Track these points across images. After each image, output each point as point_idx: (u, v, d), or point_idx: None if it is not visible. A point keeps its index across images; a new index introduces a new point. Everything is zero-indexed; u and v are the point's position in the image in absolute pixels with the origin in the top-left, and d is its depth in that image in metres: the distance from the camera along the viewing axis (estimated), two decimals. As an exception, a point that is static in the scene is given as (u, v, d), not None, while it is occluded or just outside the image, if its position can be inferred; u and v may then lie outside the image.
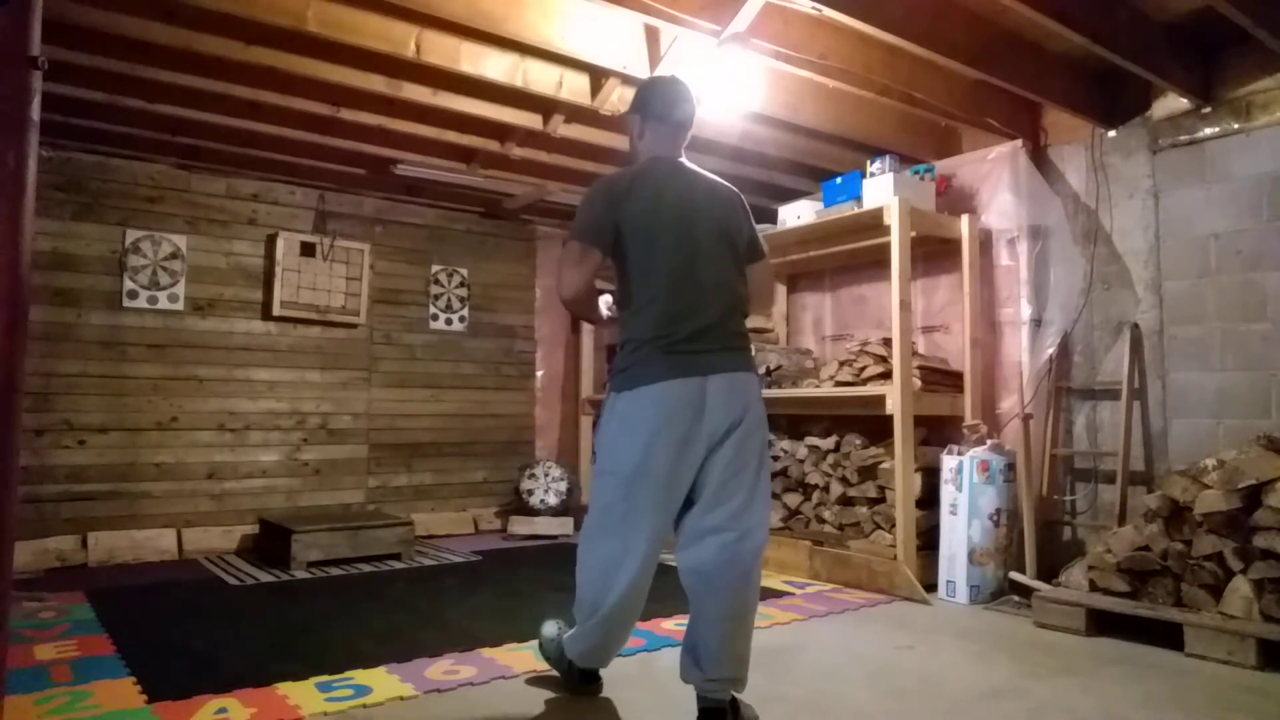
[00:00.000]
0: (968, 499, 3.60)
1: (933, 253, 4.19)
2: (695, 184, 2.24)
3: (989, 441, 3.70)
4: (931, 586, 3.66)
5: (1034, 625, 3.17)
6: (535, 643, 2.61)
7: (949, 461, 3.69)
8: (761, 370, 4.62)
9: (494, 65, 3.41)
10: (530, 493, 5.40)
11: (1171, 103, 3.59)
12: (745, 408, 2.11)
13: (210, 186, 4.79)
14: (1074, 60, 3.58)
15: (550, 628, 2.55)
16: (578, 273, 2.12)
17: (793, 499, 4.51)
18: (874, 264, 4.52)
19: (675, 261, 2.12)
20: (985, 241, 4.06)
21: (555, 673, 2.49)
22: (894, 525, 3.75)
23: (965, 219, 4.00)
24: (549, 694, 2.42)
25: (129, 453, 4.48)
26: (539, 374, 6.00)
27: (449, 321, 5.63)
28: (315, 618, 3.25)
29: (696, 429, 2.06)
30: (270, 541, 4.44)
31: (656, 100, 2.29)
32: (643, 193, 2.15)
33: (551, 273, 6.03)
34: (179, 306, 4.65)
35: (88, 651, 2.74)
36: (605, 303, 2.33)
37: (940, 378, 4.00)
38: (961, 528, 3.60)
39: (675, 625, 3.06)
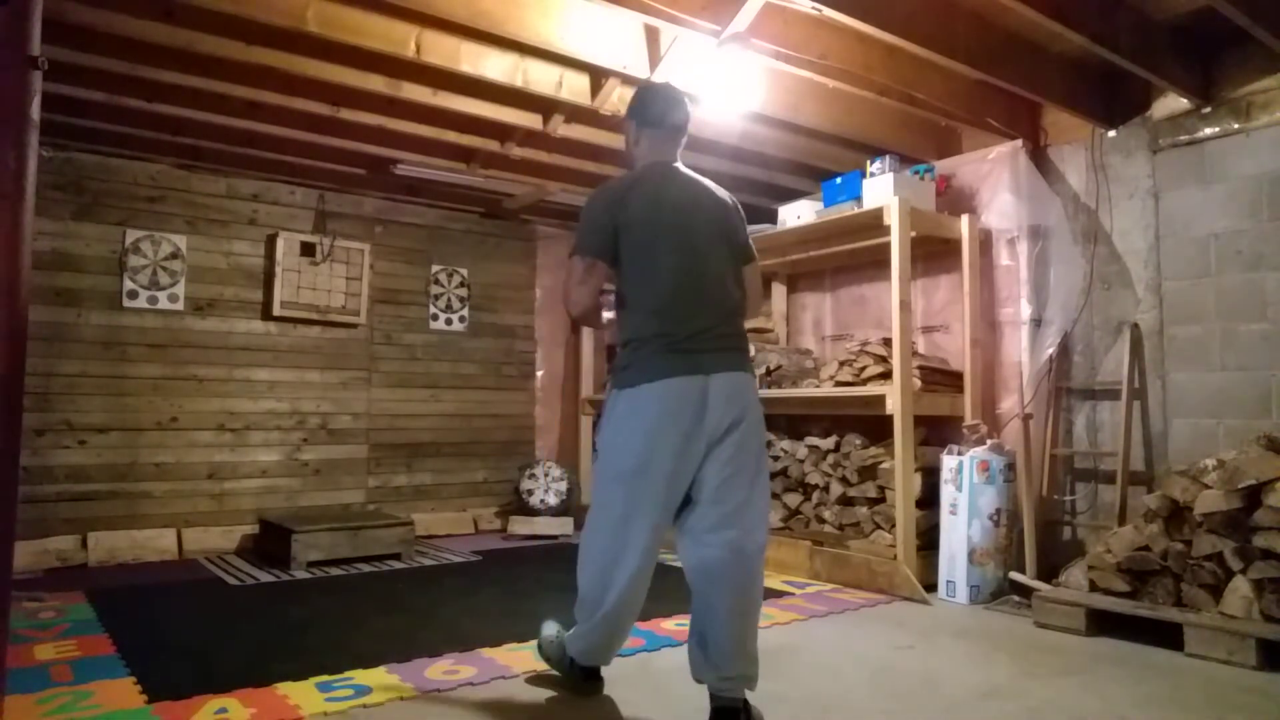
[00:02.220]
0: (968, 499, 3.60)
1: (933, 253, 4.19)
2: (692, 188, 2.29)
3: (989, 441, 3.70)
4: (931, 586, 3.66)
5: (1034, 625, 3.17)
6: (535, 643, 2.61)
7: (949, 461, 3.69)
8: (761, 370, 4.62)
9: (494, 65, 3.41)
10: (530, 493, 5.40)
11: (1171, 103, 3.59)
12: (745, 407, 2.15)
13: (210, 186, 4.79)
14: (1074, 60, 3.58)
15: (550, 628, 2.56)
16: (585, 290, 2.17)
17: (793, 499, 4.51)
18: (874, 264, 4.51)
19: (676, 263, 2.17)
20: (985, 241, 4.06)
21: (555, 673, 2.50)
22: (894, 525, 3.75)
23: (965, 219, 4.00)
24: (549, 694, 2.42)
25: (129, 453, 4.48)
26: (539, 374, 6.00)
27: (449, 321, 5.63)
28: (315, 618, 3.25)
29: (698, 427, 2.09)
30: (270, 541, 4.44)
31: (652, 106, 2.34)
32: (641, 197, 2.19)
33: (551, 272, 6.04)
34: (179, 306, 4.65)
35: (88, 651, 2.74)
36: (606, 306, 2.37)
37: (940, 378, 4.00)
38: (961, 528, 3.60)
39: (675, 625, 3.06)
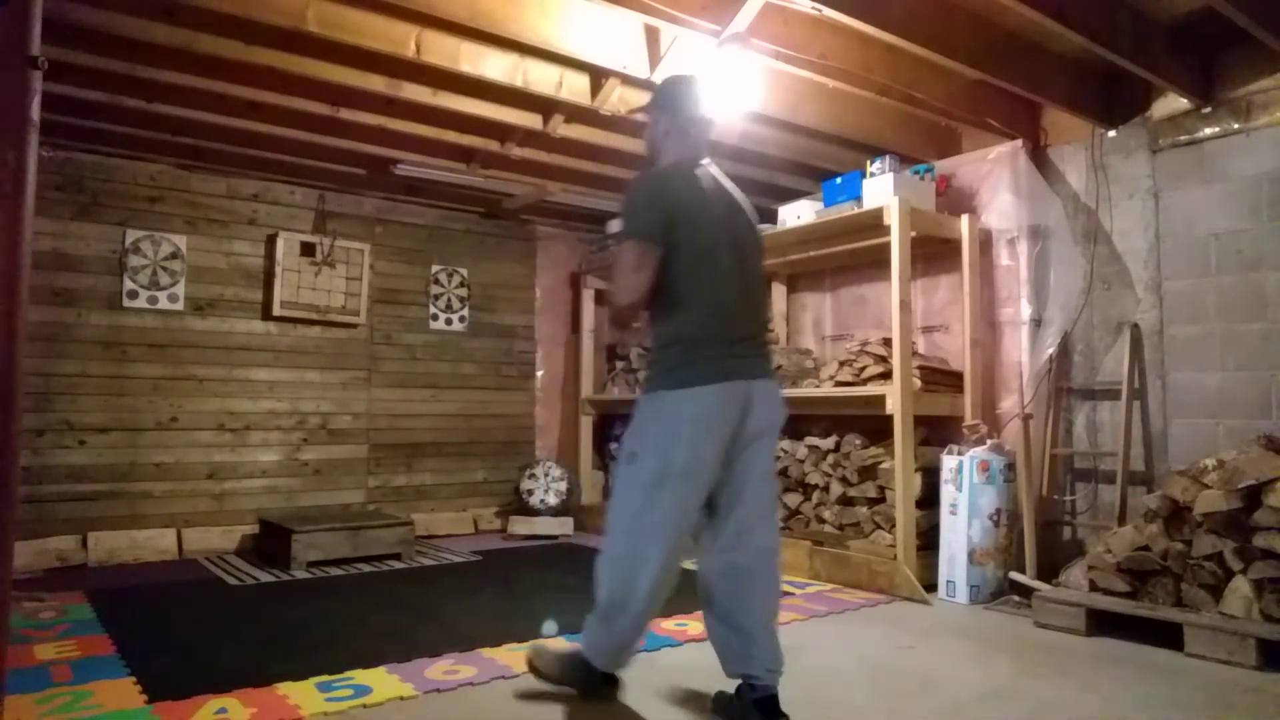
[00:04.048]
0: (968, 499, 3.60)
1: (933, 253, 4.19)
2: (729, 191, 2.27)
3: (989, 441, 3.70)
4: (931, 586, 3.66)
5: (1034, 625, 3.17)
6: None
7: (949, 461, 3.69)
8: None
9: (494, 65, 3.41)
10: (530, 493, 5.40)
11: (1171, 103, 3.59)
12: (778, 414, 2.22)
13: (210, 186, 4.79)
14: (1074, 60, 3.58)
15: (546, 654, 2.42)
16: (643, 276, 2.06)
17: (793, 499, 4.51)
18: (874, 264, 4.51)
19: (731, 267, 2.15)
20: (985, 241, 4.06)
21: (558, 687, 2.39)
22: (894, 525, 3.75)
23: (965, 219, 4.00)
24: (549, 694, 2.41)
25: (129, 453, 4.48)
26: (539, 374, 6.00)
27: (449, 321, 5.63)
28: (315, 618, 3.25)
29: (739, 431, 2.11)
30: (270, 541, 4.44)
31: (686, 99, 2.28)
32: (695, 192, 2.15)
33: (551, 271, 6.04)
34: (179, 306, 4.65)
35: (88, 651, 2.74)
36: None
37: (940, 378, 4.00)
38: (961, 528, 3.60)
39: (675, 625, 3.07)
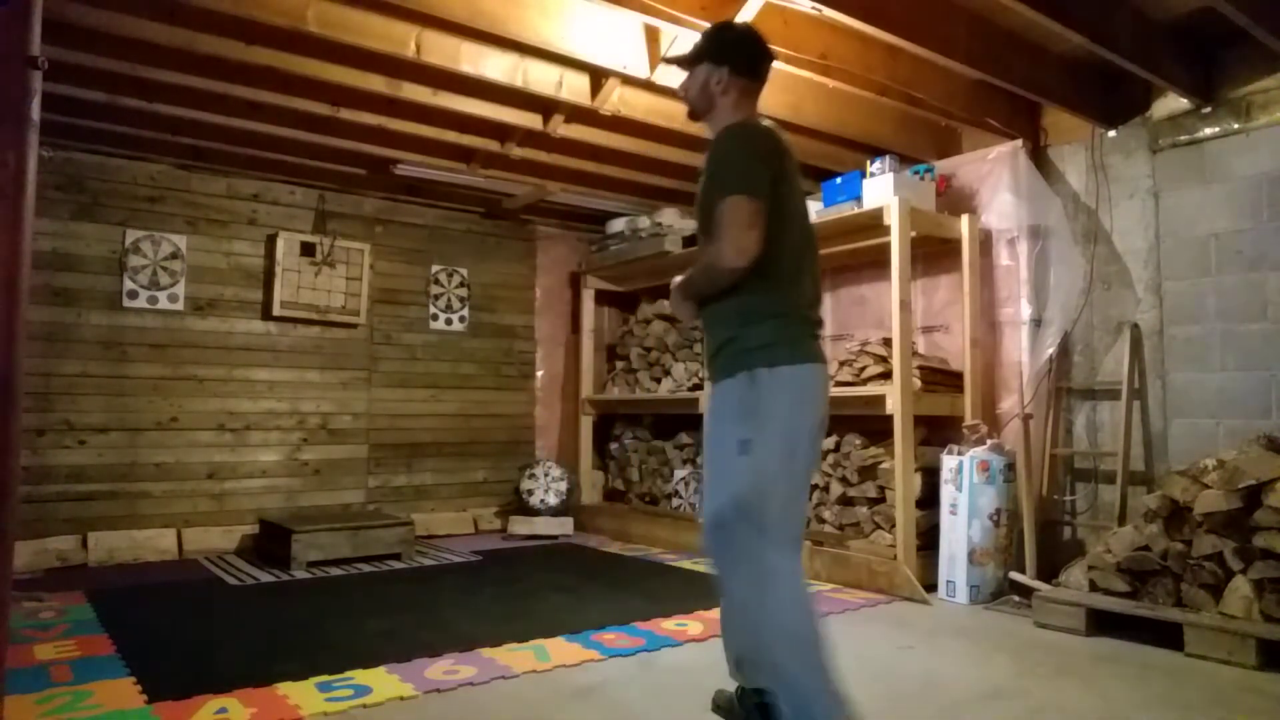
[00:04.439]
0: (968, 499, 3.60)
1: (933, 253, 4.19)
2: None
3: (989, 441, 3.70)
4: (931, 586, 3.65)
5: (1034, 625, 3.17)
6: (535, 643, 2.59)
7: (949, 461, 3.69)
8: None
9: (494, 65, 3.42)
10: (530, 493, 5.40)
11: (1171, 103, 3.59)
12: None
13: (210, 186, 4.79)
14: (1074, 60, 3.58)
15: None
16: (757, 235, 1.78)
17: (793, 499, 4.51)
18: (874, 264, 4.51)
19: (807, 239, 1.99)
20: (985, 241, 4.06)
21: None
22: (894, 525, 3.75)
23: (965, 219, 4.00)
24: (548, 694, 2.42)
25: (129, 453, 4.48)
26: (539, 374, 6.00)
27: (449, 321, 5.63)
28: (315, 618, 3.25)
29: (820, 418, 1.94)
30: (270, 541, 4.44)
31: (751, 52, 2.00)
32: (785, 155, 1.93)
33: (551, 272, 6.04)
34: (179, 306, 4.65)
35: (88, 651, 2.74)
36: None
37: (940, 378, 4.00)
38: (961, 528, 3.60)
39: (675, 625, 3.07)
